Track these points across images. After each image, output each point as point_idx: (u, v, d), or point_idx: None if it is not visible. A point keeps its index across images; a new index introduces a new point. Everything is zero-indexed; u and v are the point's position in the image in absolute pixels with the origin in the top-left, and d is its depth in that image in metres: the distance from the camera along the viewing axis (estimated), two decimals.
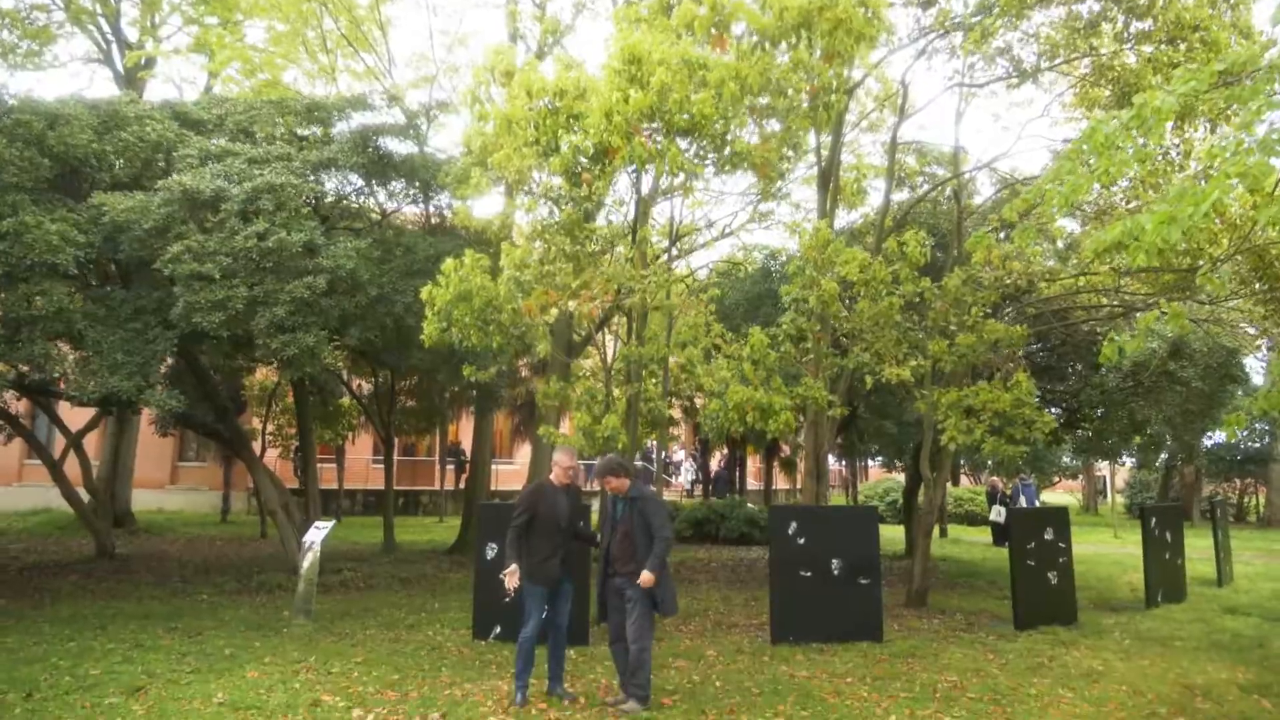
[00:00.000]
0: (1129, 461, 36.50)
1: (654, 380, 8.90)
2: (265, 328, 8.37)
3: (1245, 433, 30.96)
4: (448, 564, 14.77)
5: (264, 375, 22.16)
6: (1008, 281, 8.21)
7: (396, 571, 13.62)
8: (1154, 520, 12.00)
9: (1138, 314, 9.59)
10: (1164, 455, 29.87)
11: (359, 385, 19.70)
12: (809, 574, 8.78)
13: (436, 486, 27.29)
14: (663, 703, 6.39)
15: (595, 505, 9.64)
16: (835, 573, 8.82)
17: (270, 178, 8.74)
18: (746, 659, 7.98)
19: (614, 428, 7.78)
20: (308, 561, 9.25)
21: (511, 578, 6.24)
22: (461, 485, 23.33)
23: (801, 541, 8.84)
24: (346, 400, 20.62)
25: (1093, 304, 9.99)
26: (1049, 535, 10.22)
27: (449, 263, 7.84)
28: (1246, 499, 33.23)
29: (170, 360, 12.68)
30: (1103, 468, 40.69)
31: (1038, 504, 21.39)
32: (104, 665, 7.22)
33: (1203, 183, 5.22)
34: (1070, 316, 11.60)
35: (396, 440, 28.01)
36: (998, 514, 21.10)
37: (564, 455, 6.78)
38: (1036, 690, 6.95)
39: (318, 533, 9.53)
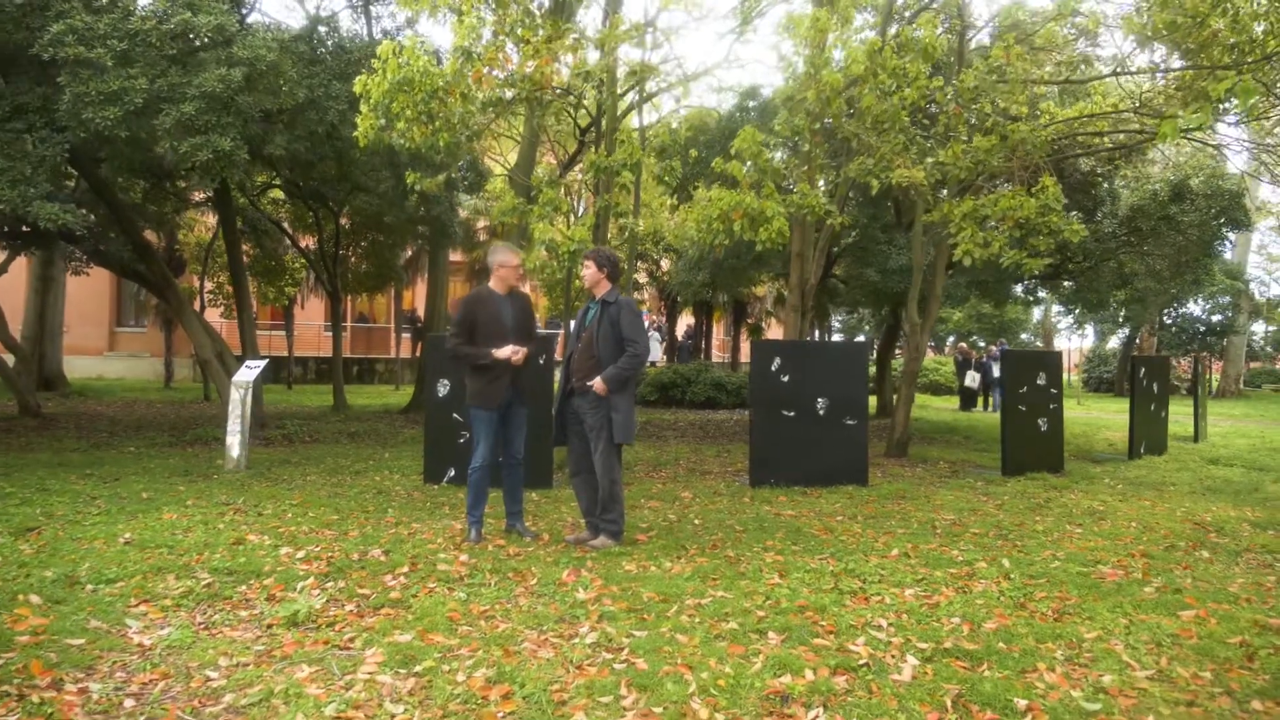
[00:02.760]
0: (1090, 336, 36.78)
1: (626, 194, 7.86)
2: (171, 128, 7.09)
3: (1208, 304, 31.38)
4: (401, 421, 13.96)
5: (200, 232, 20.72)
6: (1037, 74, 7.15)
7: (346, 428, 12.81)
8: (1143, 371, 11.62)
9: (1153, 144, 8.74)
10: (1125, 330, 29.92)
11: (307, 244, 18.34)
12: (792, 413, 8.09)
13: (393, 355, 26.31)
14: (637, 539, 5.70)
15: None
16: (820, 412, 8.15)
17: None
18: (725, 500, 7.34)
19: (582, 240, 6.75)
20: (237, 400, 8.33)
21: (504, 353, 5.26)
22: (418, 353, 22.38)
23: (785, 379, 8.10)
24: (290, 256, 19.29)
25: (1103, 130, 9.04)
26: (1041, 380, 9.71)
27: (386, 45, 6.55)
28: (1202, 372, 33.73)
29: (75, 186, 11.35)
30: (1060, 345, 40.95)
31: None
32: None
33: None
34: (1069, 152, 10.68)
35: (352, 308, 26.89)
36: (972, 379, 20.80)
37: (504, 253, 5.45)
38: (1042, 527, 6.40)
39: (249, 372, 8.58)
